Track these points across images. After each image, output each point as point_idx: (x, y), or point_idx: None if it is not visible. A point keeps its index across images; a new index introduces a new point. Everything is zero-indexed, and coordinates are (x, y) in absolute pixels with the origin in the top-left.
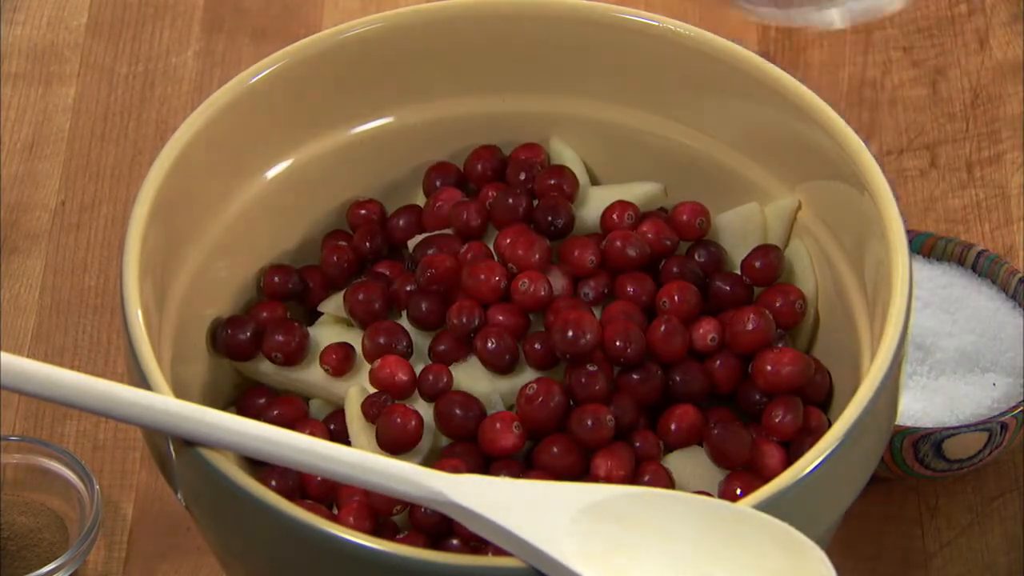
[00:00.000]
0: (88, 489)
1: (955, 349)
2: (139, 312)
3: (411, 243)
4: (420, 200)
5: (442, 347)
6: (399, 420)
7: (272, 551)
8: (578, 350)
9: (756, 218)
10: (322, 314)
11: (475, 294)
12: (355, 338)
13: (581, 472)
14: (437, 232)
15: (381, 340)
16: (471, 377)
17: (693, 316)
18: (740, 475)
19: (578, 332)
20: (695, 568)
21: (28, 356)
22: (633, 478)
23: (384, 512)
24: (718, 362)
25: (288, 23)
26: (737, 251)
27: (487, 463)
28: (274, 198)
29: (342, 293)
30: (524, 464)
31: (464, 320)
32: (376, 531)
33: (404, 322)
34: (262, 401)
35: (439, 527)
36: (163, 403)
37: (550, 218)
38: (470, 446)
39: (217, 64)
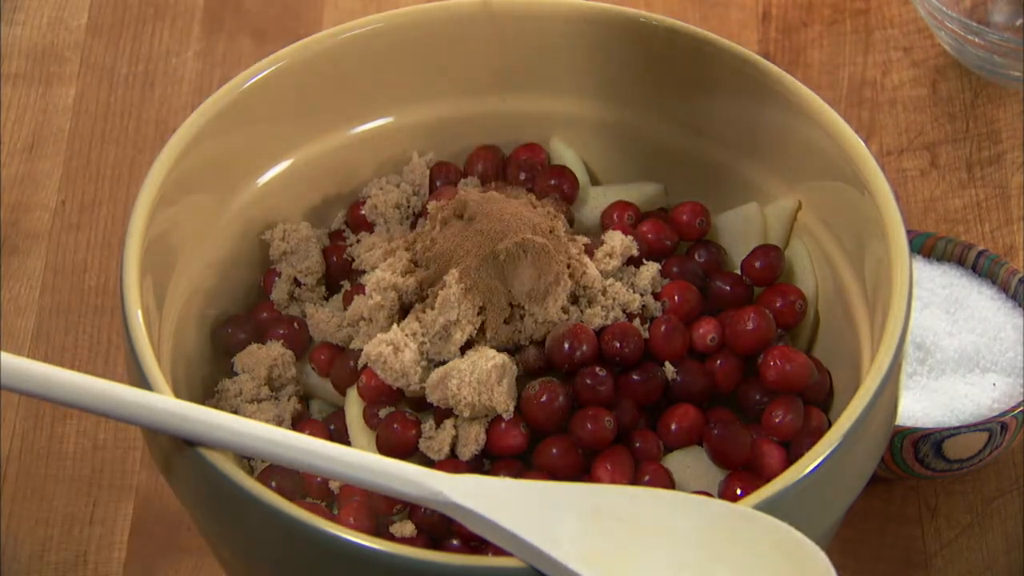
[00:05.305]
0: None
1: (955, 349)
2: (139, 312)
3: None
4: None
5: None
6: (398, 428)
7: (272, 551)
8: (575, 362)
9: (756, 218)
10: None
11: None
12: None
13: (581, 472)
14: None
15: None
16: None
17: (693, 316)
18: (740, 475)
19: (575, 344)
20: (695, 568)
21: (28, 356)
22: (633, 479)
23: (384, 512)
24: (718, 362)
25: (288, 23)
26: (737, 251)
27: (487, 463)
28: (274, 198)
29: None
30: (524, 464)
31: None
32: (376, 531)
33: None
34: None
35: (439, 527)
36: (163, 403)
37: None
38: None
39: (217, 64)
